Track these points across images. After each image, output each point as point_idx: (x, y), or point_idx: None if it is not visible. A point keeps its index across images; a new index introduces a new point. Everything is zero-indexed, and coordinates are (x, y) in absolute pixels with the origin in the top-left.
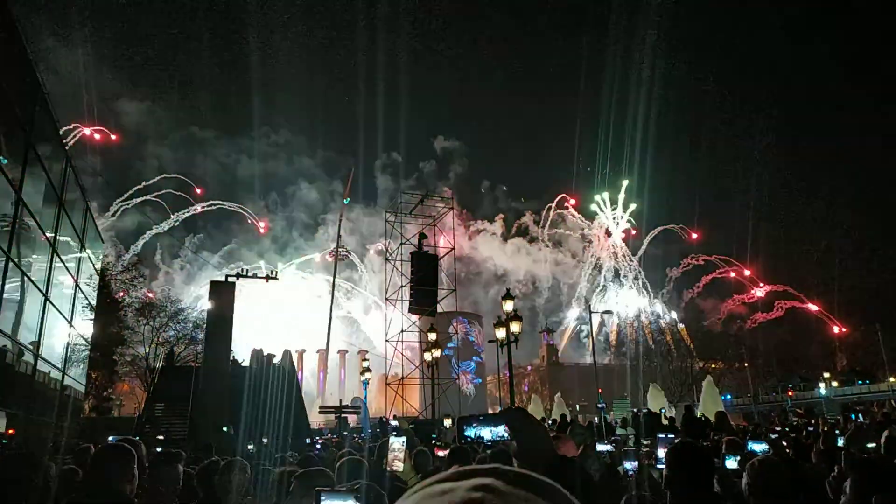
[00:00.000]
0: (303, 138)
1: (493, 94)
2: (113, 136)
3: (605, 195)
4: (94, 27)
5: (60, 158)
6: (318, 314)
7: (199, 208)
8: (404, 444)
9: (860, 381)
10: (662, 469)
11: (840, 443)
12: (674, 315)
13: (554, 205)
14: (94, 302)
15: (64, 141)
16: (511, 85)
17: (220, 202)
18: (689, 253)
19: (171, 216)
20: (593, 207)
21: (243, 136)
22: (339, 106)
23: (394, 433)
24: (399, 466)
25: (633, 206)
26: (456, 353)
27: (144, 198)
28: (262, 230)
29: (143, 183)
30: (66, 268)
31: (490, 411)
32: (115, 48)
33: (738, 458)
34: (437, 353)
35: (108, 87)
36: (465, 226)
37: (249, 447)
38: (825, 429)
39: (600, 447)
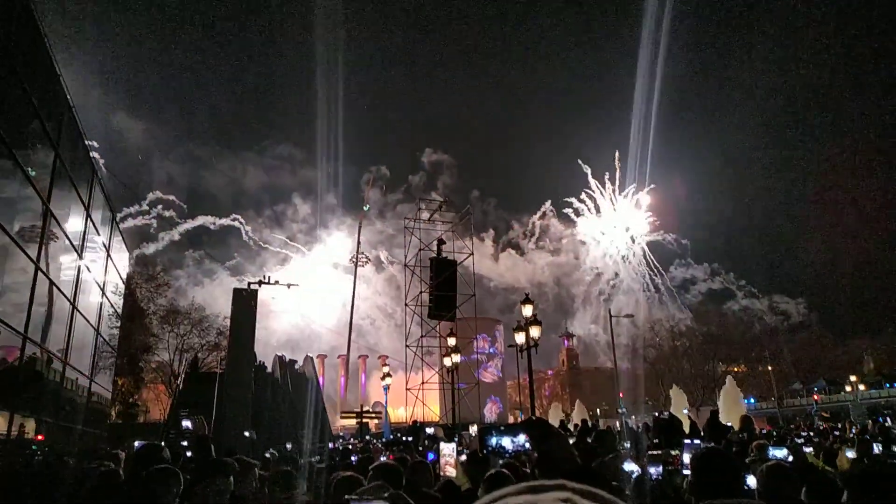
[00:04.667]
0: (298, 152)
1: (482, 105)
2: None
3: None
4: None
5: (87, 170)
6: (338, 320)
7: (185, 227)
8: (454, 450)
9: (888, 385)
10: (688, 475)
11: (877, 450)
12: (690, 317)
13: (538, 216)
14: (119, 310)
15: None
16: (499, 95)
17: (210, 217)
18: (675, 259)
19: (161, 235)
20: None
21: (240, 150)
22: (334, 120)
23: (442, 440)
24: (451, 472)
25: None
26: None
27: (136, 221)
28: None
29: (136, 206)
30: (93, 276)
31: (511, 417)
32: (111, 62)
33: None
34: (456, 357)
35: (105, 102)
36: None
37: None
38: (856, 434)
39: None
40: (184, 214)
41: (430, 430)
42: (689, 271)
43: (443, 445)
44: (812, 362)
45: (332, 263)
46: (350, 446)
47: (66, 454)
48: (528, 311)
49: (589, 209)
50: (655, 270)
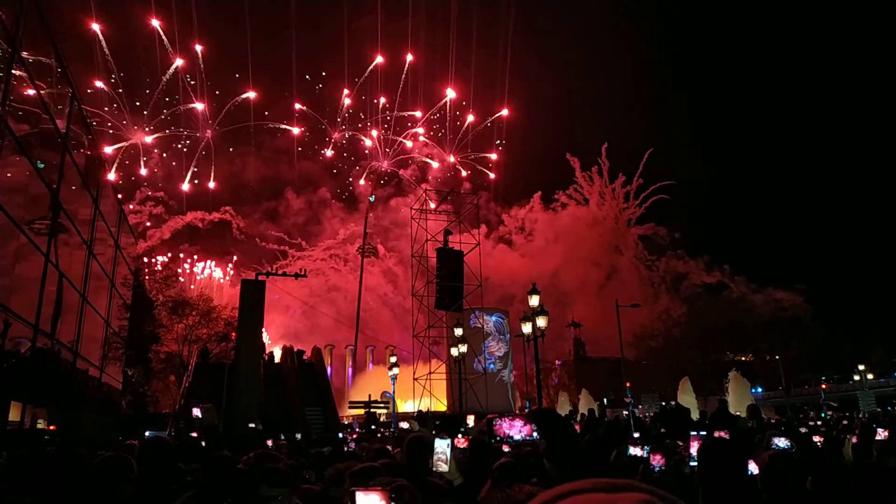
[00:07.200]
0: (293, 145)
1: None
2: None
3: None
4: None
5: (96, 163)
6: (338, 312)
7: (178, 223)
8: (449, 445)
9: None
10: (694, 465)
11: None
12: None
13: (529, 208)
14: (128, 301)
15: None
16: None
17: (200, 213)
18: (667, 250)
19: (150, 233)
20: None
21: (234, 144)
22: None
23: (434, 434)
24: (443, 467)
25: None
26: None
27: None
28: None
29: (129, 205)
30: (102, 268)
31: (516, 407)
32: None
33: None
34: (463, 348)
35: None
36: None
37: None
38: (862, 424)
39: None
40: (173, 211)
41: (403, 425)
42: (684, 264)
43: (437, 441)
44: (820, 351)
45: (330, 255)
46: (378, 436)
47: (79, 444)
48: (534, 300)
49: (578, 202)
50: (650, 262)
